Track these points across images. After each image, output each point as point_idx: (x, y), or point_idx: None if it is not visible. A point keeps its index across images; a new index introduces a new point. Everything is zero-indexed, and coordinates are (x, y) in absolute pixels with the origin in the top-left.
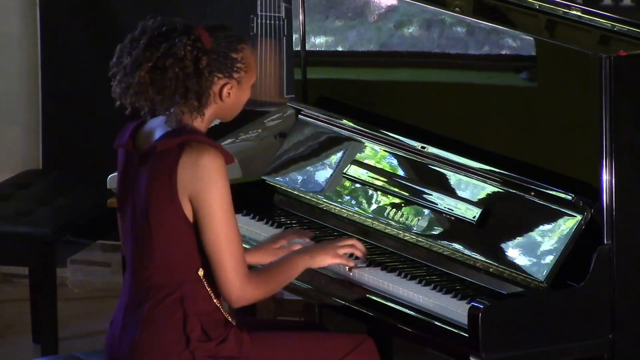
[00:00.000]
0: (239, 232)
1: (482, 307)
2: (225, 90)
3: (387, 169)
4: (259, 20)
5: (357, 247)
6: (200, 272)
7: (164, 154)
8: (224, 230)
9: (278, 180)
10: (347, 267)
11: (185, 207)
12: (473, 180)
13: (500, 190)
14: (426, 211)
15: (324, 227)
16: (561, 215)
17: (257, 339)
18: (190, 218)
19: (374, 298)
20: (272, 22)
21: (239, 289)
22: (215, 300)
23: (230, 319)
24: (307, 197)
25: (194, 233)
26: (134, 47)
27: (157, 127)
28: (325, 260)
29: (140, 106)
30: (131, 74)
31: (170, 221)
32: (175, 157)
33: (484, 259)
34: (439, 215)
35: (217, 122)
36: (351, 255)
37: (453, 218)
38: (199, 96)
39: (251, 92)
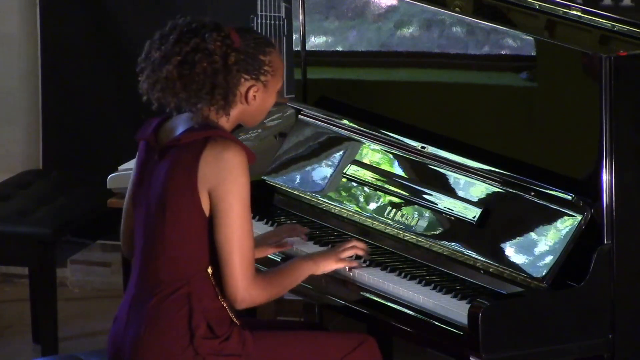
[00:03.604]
0: (252, 232)
1: (482, 307)
2: (251, 93)
3: (387, 169)
4: (259, 20)
5: (358, 247)
6: (210, 270)
7: (188, 146)
8: (238, 226)
9: (278, 180)
10: (347, 267)
11: (203, 200)
12: (473, 180)
13: (500, 190)
14: (426, 211)
15: (324, 227)
16: (561, 215)
17: (259, 338)
18: (206, 212)
19: (374, 298)
20: (272, 22)
21: (245, 290)
22: (221, 299)
23: (235, 319)
24: (307, 197)
25: (207, 229)
26: (163, 43)
27: (180, 123)
28: (329, 266)
29: (167, 102)
30: (159, 68)
31: (186, 215)
32: (198, 150)
33: (484, 259)
34: (439, 215)
35: None
36: (355, 256)
37: (453, 218)
38: (226, 93)
39: (276, 98)
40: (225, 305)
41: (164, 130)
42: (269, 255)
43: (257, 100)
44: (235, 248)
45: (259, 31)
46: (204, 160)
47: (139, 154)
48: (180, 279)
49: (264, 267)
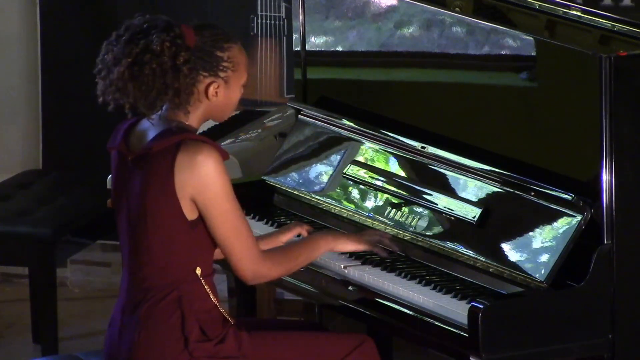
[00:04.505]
0: (245, 217)
1: (482, 307)
2: (212, 89)
3: (387, 169)
4: (259, 20)
5: (384, 237)
6: (198, 271)
7: (160, 154)
8: (232, 221)
9: (278, 180)
10: (342, 266)
11: (184, 206)
12: (473, 180)
13: (500, 190)
14: (426, 211)
15: (324, 227)
16: (561, 215)
17: (256, 339)
18: (189, 217)
19: (374, 298)
20: (272, 22)
21: (252, 270)
22: (213, 298)
23: (228, 318)
24: (307, 197)
25: (190, 231)
26: (117, 44)
27: (149, 127)
28: (348, 245)
29: (122, 103)
30: (112, 70)
31: (168, 221)
32: (171, 157)
33: (484, 259)
34: (439, 215)
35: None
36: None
37: (453, 218)
38: (178, 92)
39: (242, 92)
40: (217, 304)
41: (134, 135)
42: None
43: (219, 96)
44: (232, 238)
45: (259, 31)
46: (179, 167)
47: (113, 163)
48: (169, 283)
49: None
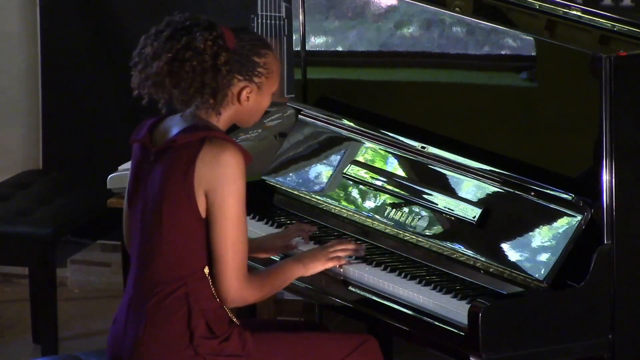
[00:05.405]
0: (247, 233)
1: (482, 307)
2: (244, 94)
3: (387, 169)
4: (259, 20)
5: (348, 248)
6: (206, 270)
7: (184, 147)
8: (234, 229)
9: (278, 180)
10: (341, 266)
11: (199, 201)
12: (473, 180)
13: (500, 190)
14: (426, 211)
15: (324, 227)
16: (561, 215)
17: (260, 339)
18: (202, 213)
19: (374, 298)
20: (272, 22)
21: (237, 290)
22: (219, 299)
23: (234, 319)
24: (307, 197)
25: (203, 229)
26: (157, 39)
27: (174, 124)
28: (317, 267)
29: (157, 98)
30: (151, 64)
31: (183, 216)
32: (195, 151)
33: (484, 259)
34: (439, 215)
35: None
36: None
37: (453, 218)
38: (215, 93)
39: (271, 100)
40: (223, 305)
41: (158, 131)
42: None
43: (250, 101)
44: (229, 249)
45: (259, 31)
46: (201, 161)
47: (134, 156)
48: (177, 279)
49: (260, 266)
